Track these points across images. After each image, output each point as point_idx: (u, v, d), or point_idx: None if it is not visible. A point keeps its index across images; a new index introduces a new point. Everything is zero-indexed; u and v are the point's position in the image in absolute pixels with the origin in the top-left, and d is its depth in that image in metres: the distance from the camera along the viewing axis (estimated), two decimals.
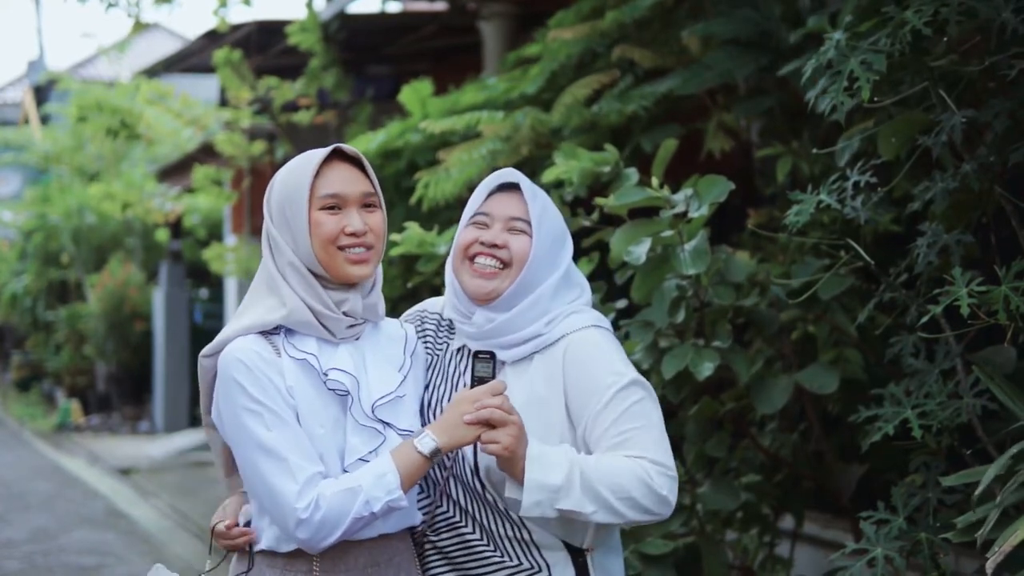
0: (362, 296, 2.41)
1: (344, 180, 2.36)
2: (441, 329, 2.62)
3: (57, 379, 17.68)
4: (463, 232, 2.53)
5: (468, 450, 2.43)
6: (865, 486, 3.87)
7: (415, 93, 5.90)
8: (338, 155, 2.38)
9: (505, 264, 2.47)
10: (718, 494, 3.70)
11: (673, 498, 2.34)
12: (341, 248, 2.34)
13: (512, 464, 2.28)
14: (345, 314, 2.36)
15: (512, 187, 2.54)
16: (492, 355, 2.35)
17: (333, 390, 2.32)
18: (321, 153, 2.37)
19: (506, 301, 2.47)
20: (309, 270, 2.35)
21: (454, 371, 2.54)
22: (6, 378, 21.26)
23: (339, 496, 2.23)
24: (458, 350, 2.56)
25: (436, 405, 2.51)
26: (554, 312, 2.48)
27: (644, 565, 3.52)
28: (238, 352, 2.30)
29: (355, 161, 2.39)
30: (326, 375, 2.32)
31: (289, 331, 2.35)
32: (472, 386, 2.34)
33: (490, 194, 2.54)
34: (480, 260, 2.48)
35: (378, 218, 2.40)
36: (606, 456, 2.34)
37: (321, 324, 2.34)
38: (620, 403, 2.37)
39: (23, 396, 19.01)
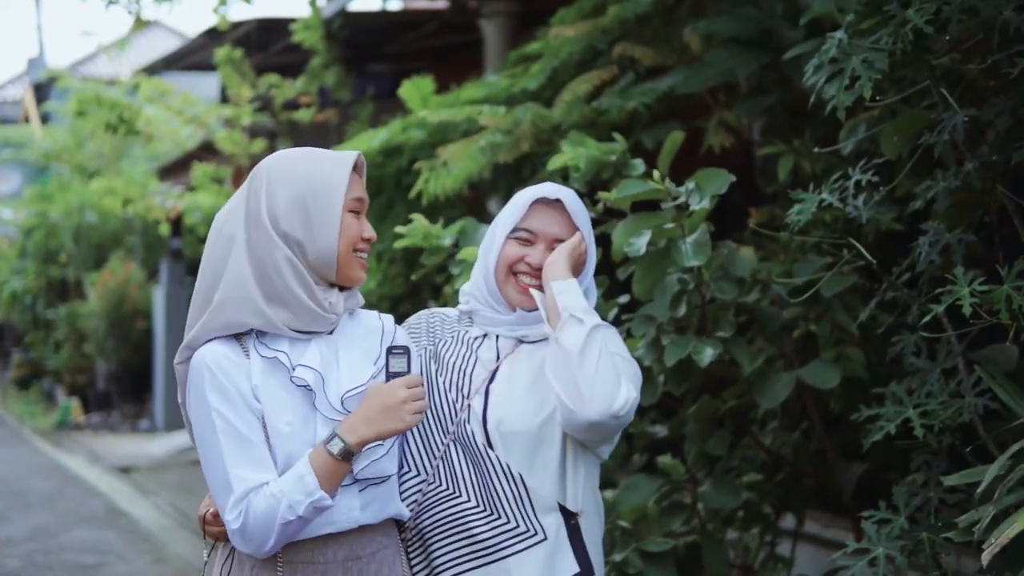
0: (343, 291, 2.44)
1: (362, 187, 2.44)
2: (447, 323, 2.68)
3: (57, 377, 17.68)
4: (506, 246, 2.58)
5: (477, 406, 2.50)
6: (866, 485, 3.87)
7: (416, 89, 5.89)
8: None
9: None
10: (719, 493, 3.70)
11: (621, 410, 2.41)
12: (355, 251, 2.39)
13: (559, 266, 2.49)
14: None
15: (552, 202, 2.60)
16: (406, 349, 2.39)
17: (300, 386, 2.34)
18: (352, 156, 2.41)
19: None
20: (311, 268, 2.36)
21: (478, 348, 2.60)
22: (6, 376, 21.27)
23: (263, 503, 2.25)
24: (478, 337, 2.61)
25: (462, 378, 2.56)
26: None
27: (645, 563, 3.51)
28: (206, 357, 2.34)
29: (360, 170, 2.45)
30: (293, 371, 2.33)
31: (261, 331, 2.36)
32: (387, 381, 2.37)
33: (531, 206, 2.59)
34: (525, 279, 2.57)
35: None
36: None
37: (296, 317, 2.34)
38: None
39: (23, 394, 19.01)
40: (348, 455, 2.28)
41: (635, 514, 3.66)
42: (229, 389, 2.30)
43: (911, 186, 3.21)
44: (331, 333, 2.42)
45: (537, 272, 2.55)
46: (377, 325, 2.51)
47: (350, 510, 2.35)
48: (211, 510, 2.44)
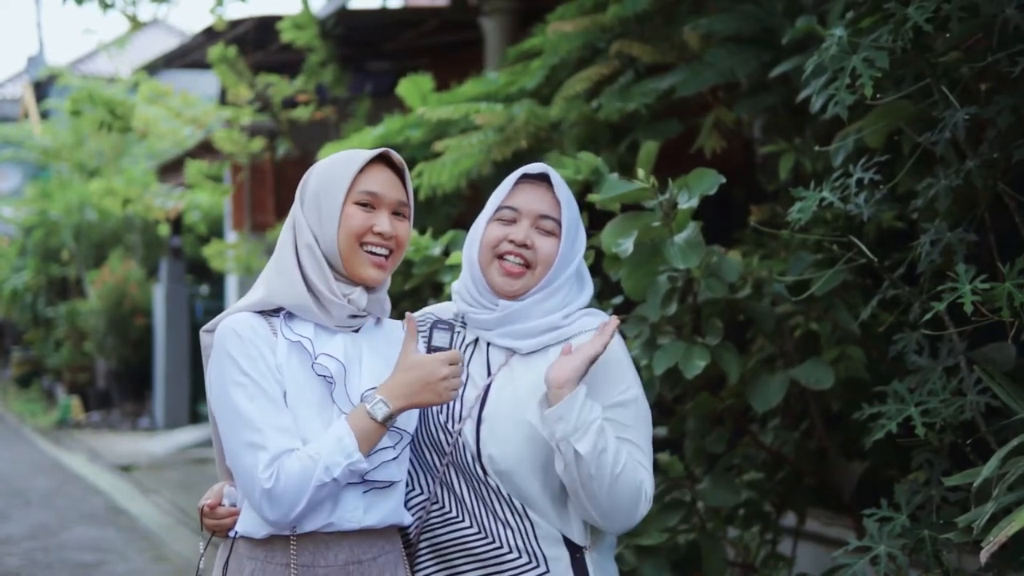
0: (369, 293, 2.44)
1: (384, 182, 2.43)
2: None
3: (57, 375, 17.69)
4: (488, 228, 2.53)
5: (469, 436, 2.46)
6: (867, 483, 3.87)
7: (414, 86, 5.88)
8: (384, 159, 2.45)
9: (528, 264, 2.50)
10: (718, 490, 3.69)
11: (643, 513, 2.42)
12: (363, 245, 2.39)
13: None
14: (349, 302, 2.39)
15: (539, 179, 2.55)
16: (451, 326, 2.38)
17: (321, 375, 2.35)
18: (370, 152, 2.43)
19: (530, 297, 2.52)
20: (326, 259, 2.39)
21: (469, 361, 2.55)
22: (6, 374, 21.27)
23: (299, 463, 2.26)
24: (469, 344, 2.57)
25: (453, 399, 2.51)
26: (571, 305, 2.52)
27: (639, 559, 3.51)
28: (234, 324, 2.36)
29: (397, 170, 2.46)
30: (316, 358, 2.35)
31: (289, 315, 2.40)
32: (428, 353, 2.36)
33: (516, 184, 2.55)
34: (509, 259, 2.50)
35: (405, 228, 2.46)
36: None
37: (322, 307, 2.38)
38: (617, 417, 2.43)
39: (23, 392, 19.02)
40: (388, 420, 2.31)
41: None
42: (257, 357, 2.32)
43: (912, 184, 3.20)
44: (357, 332, 2.44)
45: (519, 249, 2.49)
46: (401, 337, 2.51)
47: (354, 510, 2.34)
48: (209, 501, 2.45)
